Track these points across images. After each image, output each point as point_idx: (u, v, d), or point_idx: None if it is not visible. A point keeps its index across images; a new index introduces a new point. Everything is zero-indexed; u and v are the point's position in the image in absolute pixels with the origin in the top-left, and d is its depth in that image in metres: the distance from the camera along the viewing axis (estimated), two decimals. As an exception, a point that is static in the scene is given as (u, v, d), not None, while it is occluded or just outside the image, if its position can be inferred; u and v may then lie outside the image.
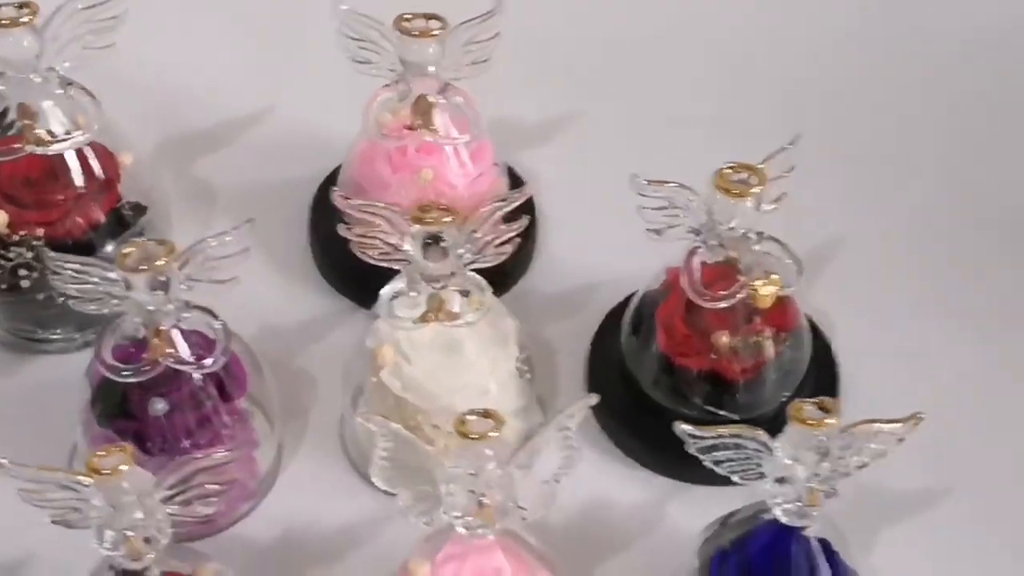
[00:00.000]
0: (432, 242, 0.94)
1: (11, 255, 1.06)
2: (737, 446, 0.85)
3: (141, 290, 0.92)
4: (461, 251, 0.96)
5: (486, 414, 0.81)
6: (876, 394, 1.08)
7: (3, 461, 0.81)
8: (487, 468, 0.82)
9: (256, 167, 1.21)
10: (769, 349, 1.03)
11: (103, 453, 0.79)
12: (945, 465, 1.06)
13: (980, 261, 1.17)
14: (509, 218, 0.98)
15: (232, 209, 1.19)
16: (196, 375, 0.97)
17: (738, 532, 0.91)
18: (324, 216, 1.14)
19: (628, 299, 1.09)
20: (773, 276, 0.98)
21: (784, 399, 1.04)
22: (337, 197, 0.97)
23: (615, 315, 1.11)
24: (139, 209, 1.10)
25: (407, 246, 0.95)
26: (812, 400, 0.83)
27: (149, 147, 1.22)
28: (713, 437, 0.85)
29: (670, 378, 1.04)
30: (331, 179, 1.17)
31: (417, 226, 0.94)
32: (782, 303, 1.03)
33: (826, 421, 0.82)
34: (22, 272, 1.06)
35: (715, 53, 1.31)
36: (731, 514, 0.92)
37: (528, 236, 1.18)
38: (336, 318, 1.13)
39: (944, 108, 1.28)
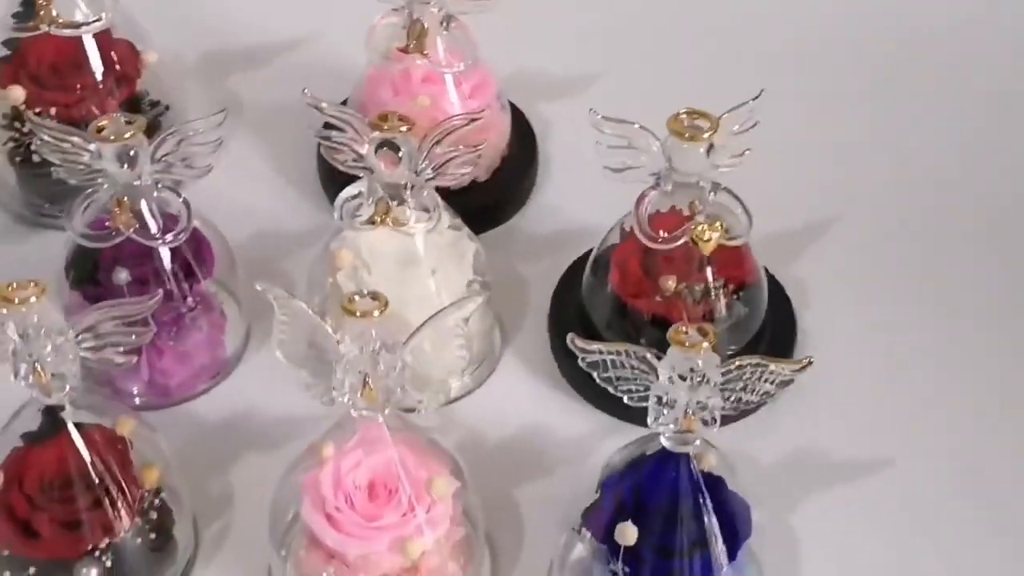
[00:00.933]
0: (388, 149, 0.98)
1: (25, 129, 1.13)
2: (622, 364, 0.87)
3: (110, 160, 0.98)
4: (422, 165, 1.00)
5: (374, 296, 0.85)
6: (831, 366, 1.09)
7: None
8: (374, 349, 0.85)
9: (282, 87, 1.27)
10: (717, 299, 1.04)
11: (19, 285, 0.85)
12: (890, 438, 1.06)
13: (960, 253, 1.18)
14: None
15: (252, 123, 1.25)
16: (163, 251, 1.03)
17: (632, 456, 0.92)
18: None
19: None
20: (718, 223, 1.00)
21: (731, 352, 1.05)
22: (308, 97, 1.02)
23: (584, 259, 1.13)
24: (155, 105, 1.17)
25: (364, 151, 0.99)
26: (695, 325, 0.85)
27: (189, 56, 1.29)
28: (598, 352, 0.88)
29: (622, 320, 1.07)
30: (344, 103, 1.22)
31: (375, 132, 0.98)
32: (738, 256, 1.05)
33: (701, 345, 0.84)
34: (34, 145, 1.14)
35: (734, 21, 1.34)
36: (631, 442, 0.94)
37: (526, 178, 1.22)
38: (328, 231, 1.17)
39: (948, 94, 1.29)
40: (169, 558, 0.98)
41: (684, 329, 0.84)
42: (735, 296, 1.06)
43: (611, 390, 0.89)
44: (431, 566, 0.94)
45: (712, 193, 1.01)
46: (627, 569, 0.92)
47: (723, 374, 0.86)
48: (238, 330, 1.11)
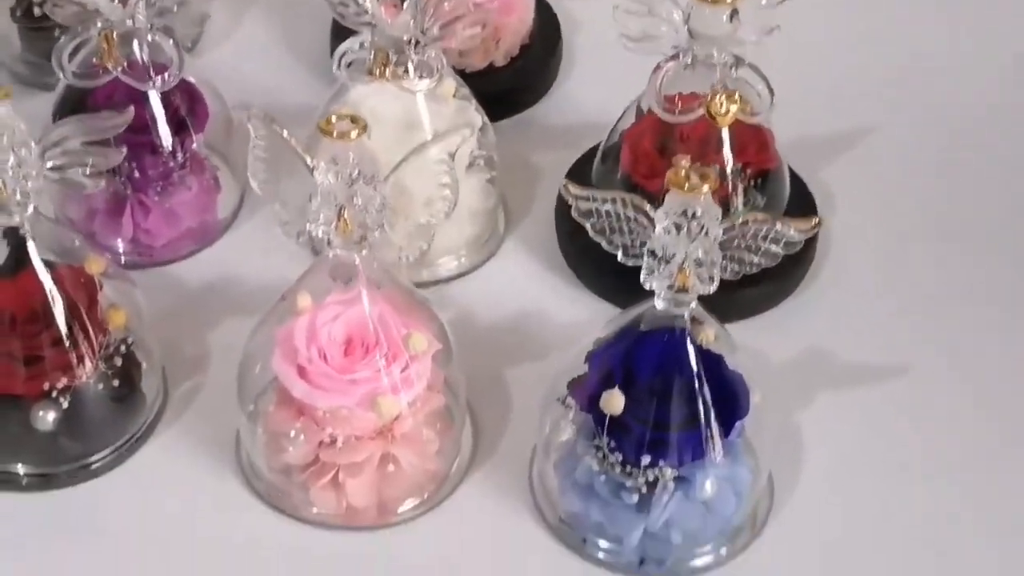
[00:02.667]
0: (396, -1, 0.93)
1: (28, -18, 1.09)
2: (617, 215, 0.81)
3: (102, -5, 0.93)
4: (428, 22, 0.94)
5: (353, 119, 0.79)
6: (851, 272, 1.04)
7: None
8: (351, 175, 0.80)
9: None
10: (734, 185, 0.98)
11: (-20, 88, 0.80)
12: (905, 347, 1.00)
13: (990, 175, 1.11)
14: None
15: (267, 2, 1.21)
16: (153, 98, 0.98)
17: (622, 326, 0.87)
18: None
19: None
20: (736, 95, 0.94)
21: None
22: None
23: (595, 149, 1.08)
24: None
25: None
26: (695, 167, 0.79)
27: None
28: (592, 199, 0.82)
29: (634, 199, 1.01)
30: None
31: (376, -23, 0.93)
32: (759, 140, 1.00)
33: (701, 189, 0.78)
34: (36, -1, 1.10)
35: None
36: (621, 313, 0.88)
37: (547, 69, 1.17)
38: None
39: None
40: (133, 411, 0.93)
41: (684, 171, 0.78)
42: (753, 184, 1.00)
43: (604, 243, 0.83)
44: (404, 430, 0.88)
45: (733, 68, 0.95)
46: (612, 443, 0.86)
47: (725, 231, 0.80)
48: (231, 198, 1.06)
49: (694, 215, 0.79)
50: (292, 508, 0.90)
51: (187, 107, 1.01)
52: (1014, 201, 1.09)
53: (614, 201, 0.82)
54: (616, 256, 1.00)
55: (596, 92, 1.16)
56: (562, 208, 1.06)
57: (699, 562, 0.90)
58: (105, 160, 0.84)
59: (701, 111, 0.95)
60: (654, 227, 0.81)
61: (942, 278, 1.04)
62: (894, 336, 1.01)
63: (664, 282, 0.81)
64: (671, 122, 0.96)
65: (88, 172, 0.84)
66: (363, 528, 0.90)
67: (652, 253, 0.81)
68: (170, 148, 1.00)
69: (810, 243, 1.04)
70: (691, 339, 0.84)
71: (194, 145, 1.01)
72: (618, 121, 1.02)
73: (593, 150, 1.08)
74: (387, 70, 0.95)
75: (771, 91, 0.95)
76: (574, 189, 0.83)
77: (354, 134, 0.79)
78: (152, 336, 0.93)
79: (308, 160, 0.81)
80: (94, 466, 0.92)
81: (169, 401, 0.96)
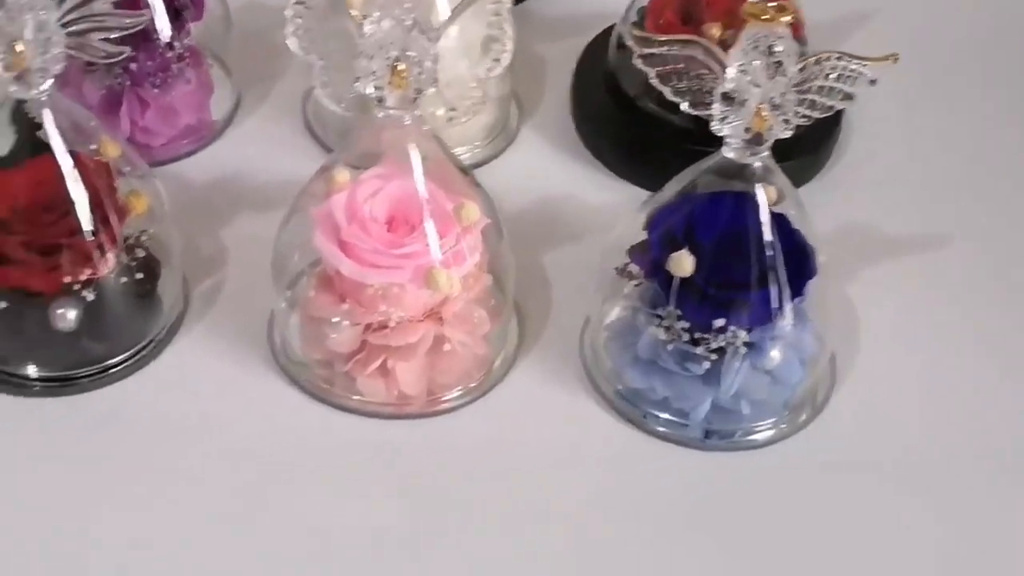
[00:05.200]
0: None
1: None
2: (686, 59, 0.77)
3: None
4: None
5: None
6: (875, 143, 1.01)
7: None
8: (408, 23, 0.74)
9: None
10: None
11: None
12: (947, 217, 0.98)
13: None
14: None
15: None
16: (147, -17, 0.92)
17: (683, 185, 0.83)
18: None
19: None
20: (772, -48, 0.90)
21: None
22: None
23: (606, 32, 1.04)
24: None
25: None
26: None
27: None
28: (660, 43, 0.78)
29: (659, 81, 0.97)
30: None
31: None
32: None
33: (779, 18, 0.74)
34: None
35: None
36: (680, 175, 0.84)
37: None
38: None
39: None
40: (155, 308, 0.86)
41: (761, 3, 0.74)
42: (782, 51, 0.96)
43: (668, 93, 0.79)
44: (455, 310, 0.83)
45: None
46: (678, 312, 0.82)
47: (800, 70, 0.76)
48: (227, 99, 1.01)
49: (771, 50, 0.75)
50: (336, 398, 0.85)
51: (184, -5, 0.95)
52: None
53: (683, 44, 0.77)
54: (634, 132, 0.97)
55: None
56: (579, 94, 1.03)
57: (761, 436, 0.86)
58: (132, 22, 0.78)
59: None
60: (723, 70, 0.77)
61: (973, 142, 1.02)
62: (930, 206, 0.98)
63: (739, 126, 0.77)
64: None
65: (112, 38, 0.78)
66: (412, 416, 0.85)
67: (726, 96, 0.77)
68: (168, 37, 0.94)
69: (838, 115, 1.01)
70: (760, 195, 0.80)
71: (192, 34, 0.95)
72: (635, 3, 0.98)
73: (601, 36, 1.05)
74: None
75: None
76: (638, 33, 0.78)
77: (412, -16, 0.74)
78: (173, 226, 0.86)
79: (354, 10, 0.76)
80: (116, 369, 0.85)
81: (191, 300, 0.89)
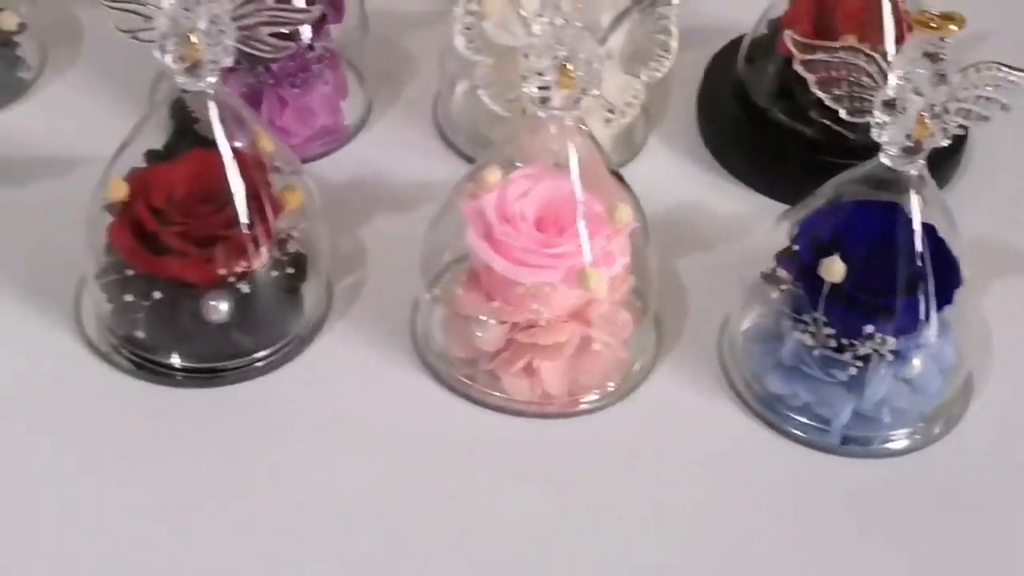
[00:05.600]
0: None
1: None
2: (847, 64, 0.78)
3: None
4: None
5: (587, -36, 0.75)
6: (998, 159, 1.02)
7: None
8: (575, 25, 0.75)
9: None
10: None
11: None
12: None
13: None
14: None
15: None
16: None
17: (833, 191, 0.83)
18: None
19: (744, 35, 1.03)
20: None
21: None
22: None
23: (733, 44, 1.05)
24: None
25: None
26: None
27: None
28: (822, 47, 0.78)
29: (791, 90, 0.98)
30: None
31: None
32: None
33: (948, 27, 0.75)
34: None
35: None
36: (825, 185, 0.85)
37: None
38: (445, 14, 1.08)
39: None
40: (302, 303, 0.87)
41: (926, 13, 0.75)
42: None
43: (827, 99, 0.80)
44: (602, 311, 0.84)
45: (902, -55, 0.93)
46: (825, 318, 0.82)
47: (961, 78, 0.77)
48: (359, 102, 1.02)
49: (937, 58, 0.76)
50: (478, 394, 0.86)
51: (327, -1, 0.96)
52: None
53: (845, 50, 0.78)
54: (762, 141, 0.98)
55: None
56: (706, 104, 1.04)
57: (897, 445, 0.87)
58: (302, 18, 0.79)
59: (874, -19, 0.93)
60: (885, 77, 0.78)
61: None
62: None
63: (900, 134, 0.78)
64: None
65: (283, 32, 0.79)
66: (553, 415, 0.86)
67: (887, 104, 0.77)
68: (309, 39, 0.95)
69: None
70: (913, 203, 0.81)
71: (332, 36, 0.96)
72: (769, 6, 0.99)
73: (728, 46, 1.06)
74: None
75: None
76: (799, 38, 0.79)
77: (589, -23, 0.75)
78: (322, 222, 0.87)
79: (523, 10, 0.77)
80: (262, 362, 0.86)
81: (333, 296, 0.90)
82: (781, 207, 0.95)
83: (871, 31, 0.95)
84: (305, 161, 0.98)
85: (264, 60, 0.93)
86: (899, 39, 0.96)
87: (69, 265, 0.89)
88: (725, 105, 1.02)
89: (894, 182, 0.81)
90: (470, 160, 0.99)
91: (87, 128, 0.99)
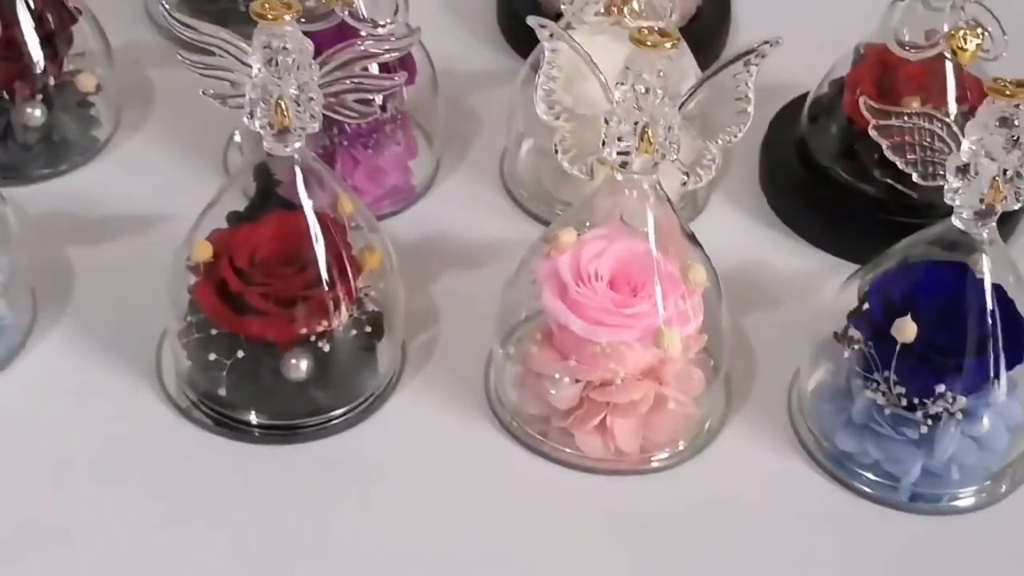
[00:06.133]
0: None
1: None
2: (920, 130, 0.80)
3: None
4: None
5: (662, 31, 0.77)
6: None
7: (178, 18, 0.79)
8: (657, 91, 0.77)
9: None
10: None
11: (269, 4, 0.77)
12: None
13: None
14: None
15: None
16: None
17: (899, 261, 0.85)
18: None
19: (806, 94, 1.05)
20: (979, 30, 0.93)
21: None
22: None
23: (795, 103, 1.07)
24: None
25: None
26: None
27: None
28: (896, 113, 0.80)
29: (853, 149, 1.00)
30: None
31: (617, -85, 0.91)
32: (978, 85, 0.98)
33: (1021, 94, 0.76)
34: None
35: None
36: (895, 248, 0.86)
37: (720, 31, 1.16)
38: (509, 74, 1.09)
39: None
40: (376, 362, 0.89)
41: (999, 79, 0.77)
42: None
43: (899, 162, 0.82)
44: (676, 370, 0.85)
45: (962, 8, 0.94)
46: (896, 378, 0.84)
47: (1034, 141, 0.79)
48: (428, 161, 1.04)
49: (1011, 124, 0.77)
50: (551, 451, 0.87)
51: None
52: None
53: (919, 115, 0.80)
54: (825, 199, 1.00)
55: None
56: (768, 162, 1.05)
57: (965, 502, 0.88)
58: (389, 85, 0.81)
59: (937, 49, 0.94)
60: (958, 143, 0.79)
61: None
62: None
63: (973, 198, 0.80)
64: (911, 59, 0.94)
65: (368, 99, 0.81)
66: (625, 472, 0.87)
67: (961, 169, 0.79)
68: (383, 100, 0.97)
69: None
70: (985, 263, 0.82)
71: (404, 98, 0.98)
72: (833, 66, 1.01)
73: (789, 105, 1.07)
74: (625, 8, 0.93)
75: (1003, 31, 0.95)
76: (873, 103, 0.81)
77: (668, 46, 0.76)
78: (398, 281, 0.89)
79: (603, 77, 0.79)
80: (339, 419, 0.88)
81: (407, 353, 0.92)
82: (845, 264, 0.98)
83: (934, 92, 0.97)
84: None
85: (367, 120, 0.94)
86: (960, 100, 0.97)
87: (149, 322, 0.91)
88: (788, 163, 1.04)
89: (964, 243, 0.83)
90: (535, 217, 1.01)
91: (160, 186, 1.01)
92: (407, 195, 1.02)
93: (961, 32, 0.93)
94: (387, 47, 0.80)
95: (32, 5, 0.98)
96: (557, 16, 0.96)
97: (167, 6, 0.81)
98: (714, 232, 1.01)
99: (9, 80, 0.97)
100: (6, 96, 0.98)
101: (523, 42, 1.11)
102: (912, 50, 0.94)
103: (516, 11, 1.14)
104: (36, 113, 0.99)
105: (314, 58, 0.79)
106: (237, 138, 1.03)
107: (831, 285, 0.93)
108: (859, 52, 1.00)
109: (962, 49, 0.93)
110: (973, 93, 0.98)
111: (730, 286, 0.96)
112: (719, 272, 0.94)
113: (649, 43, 0.76)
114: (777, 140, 1.06)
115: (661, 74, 0.77)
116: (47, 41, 0.99)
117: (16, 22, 0.98)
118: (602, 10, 0.93)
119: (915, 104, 0.97)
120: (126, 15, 1.13)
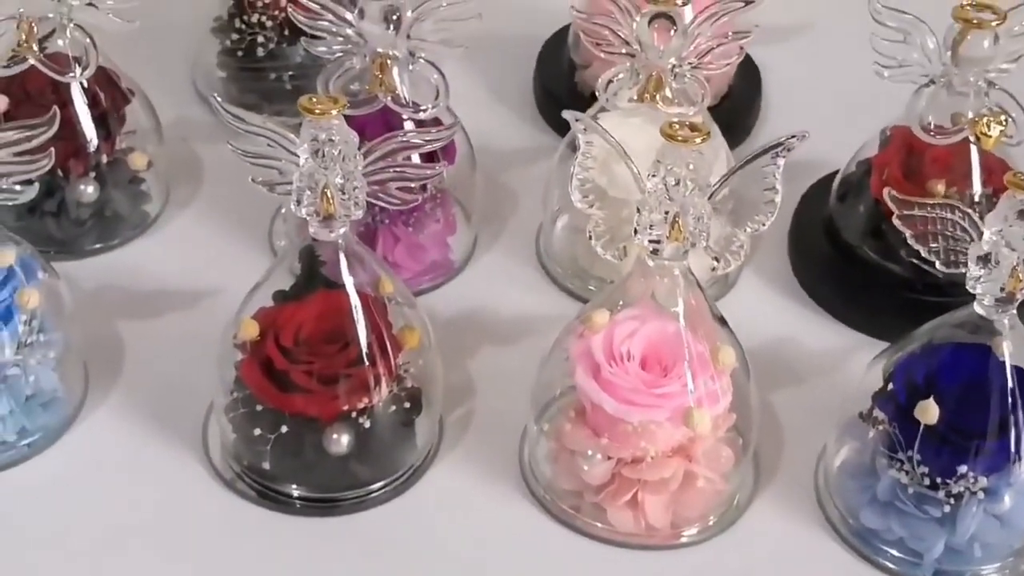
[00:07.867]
0: (663, 19, 0.94)
1: (253, 20, 1.10)
2: (942, 220, 0.83)
3: (375, 19, 0.94)
4: (687, 49, 0.96)
5: (692, 126, 0.80)
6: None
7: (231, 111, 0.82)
8: (687, 183, 0.80)
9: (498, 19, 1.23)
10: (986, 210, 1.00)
11: (317, 98, 0.80)
12: None
13: None
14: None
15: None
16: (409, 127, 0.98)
17: (923, 343, 0.87)
18: (549, 63, 1.20)
19: (834, 173, 1.08)
20: (1003, 117, 0.96)
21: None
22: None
23: (823, 181, 1.09)
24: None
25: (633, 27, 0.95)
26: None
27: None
28: (919, 203, 0.83)
29: (880, 228, 1.02)
30: (558, 33, 1.21)
31: (650, 5, 0.95)
32: (1003, 169, 1.01)
33: (1041, 189, 0.79)
34: (260, 39, 1.10)
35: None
36: (920, 330, 0.89)
37: (751, 109, 1.19)
38: (545, 151, 1.13)
39: None
40: (414, 437, 0.92)
41: (1021, 174, 0.80)
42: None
43: (923, 251, 0.84)
44: (705, 448, 0.88)
45: (986, 94, 0.97)
46: (919, 457, 0.86)
47: (1053, 233, 0.81)
48: (466, 237, 1.07)
49: (1030, 215, 0.80)
50: (583, 525, 0.90)
51: (437, 137, 1.01)
52: None
53: (941, 206, 0.83)
54: (853, 277, 1.02)
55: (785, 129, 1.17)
56: (797, 239, 1.08)
57: (987, 580, 0.90)
58: (432, 174, 0.85)
59: (961, 134, 0.97)
60: (979, 232, 0.82)
61: None
62: None
63: (994, 287, 0.82)
64: (936, 144, 0.97)
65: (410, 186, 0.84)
66: (655, 547, 0.90)
67: (982, 258, 0.82)
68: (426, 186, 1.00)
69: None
70: (1006, 348, 0.85)
71: (443, 176, 1.01)
72: (860, 148, 1.04)
73: (820, 181, 1.10)
74: (658, 94, 0.96)
75: (1028, 117, 0.97)
76: (897, 195, 0.84)
77: (698, 140, 0.79)
78: (437, 357, 0.92)
79: (635, 168, 0.82)
80: (377, 492, 0.91)
81: (444, 428, 0.95)
82: (873, 342, 1.00)
83: (959, 175, 1.00)
84: (415, 295, 1.03)
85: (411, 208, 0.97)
86: (985, 182, 1.00)
87: (196, 394, 0.94)
88: (816, 241, 1.06)
89: (985, 327, 0.85)
90: (570, 292, 1.04)
91: (208, 260, 1.05)
92: (446, 270, 1.05)
93: (985, 119, 0.96)
94: (428, 139, 0.83)
95: (86, 85, 1.02)
96: (593, 94, 1.00)
97: (219, 98, 0.85)
98: (744, 307, 1.05)
99: (64, 158, 1.01)
100: (60, 174, 1.02)
101: (559, 120, 1.14)
102: (937, 135, 0.97)
103: (552, 90, 1.17)
104: (89, 190, 1.03)
105: (359, 148, 0.82)
106: (283, 210, 1.06)
107: (858, 362, 0.96)
108: (886, 134, 1.03)
109: (986, 135, 0.96)
110: (998, 175, 1.00)
111: (759, 362, 0.99)
112: (748, 347, 0.96)
113: (680, 138, 0.79)
114: (806, 217, 1.08)
115: (691, 167, 0.80)
116: (100, 120, 1.02)
117: (71, 102, 1.01)
118: (635, 96, 0.97)
119: (940, 187, 1.00)
120: (175, 91, 1.16)
